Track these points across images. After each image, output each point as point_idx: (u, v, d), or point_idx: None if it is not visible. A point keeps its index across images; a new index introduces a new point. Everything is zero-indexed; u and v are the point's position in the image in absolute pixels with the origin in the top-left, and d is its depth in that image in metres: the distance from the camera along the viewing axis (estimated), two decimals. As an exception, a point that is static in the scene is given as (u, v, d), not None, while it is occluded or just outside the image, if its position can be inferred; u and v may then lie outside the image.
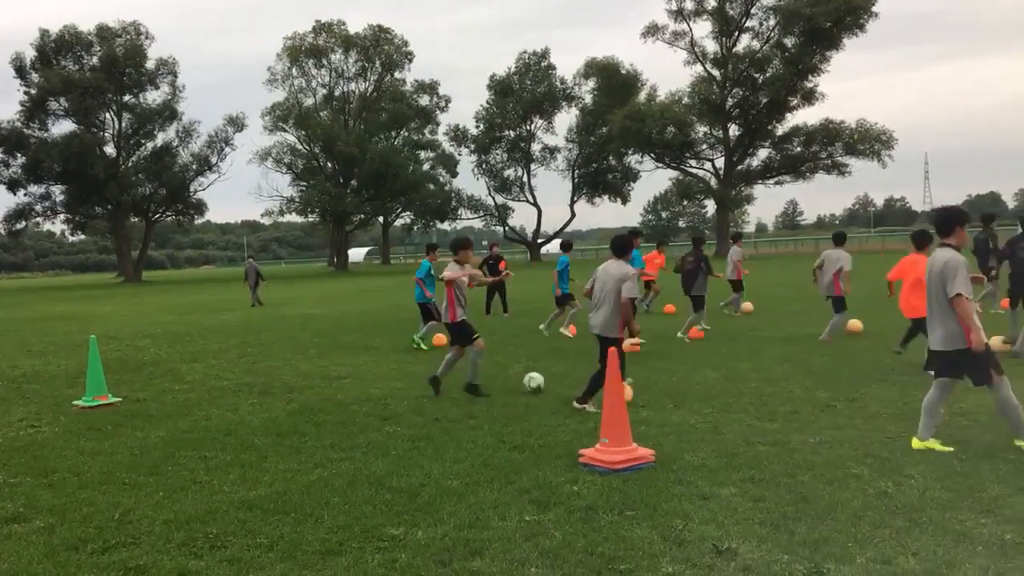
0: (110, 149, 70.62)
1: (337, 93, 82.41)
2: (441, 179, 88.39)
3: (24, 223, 73.75)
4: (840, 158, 66.16)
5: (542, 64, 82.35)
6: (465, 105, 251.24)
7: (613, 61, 75.68)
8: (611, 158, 79.72)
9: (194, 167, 73.10)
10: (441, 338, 14.66)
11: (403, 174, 76.13)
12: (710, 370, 11.19)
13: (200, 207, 76.57)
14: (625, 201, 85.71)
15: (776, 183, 70.68)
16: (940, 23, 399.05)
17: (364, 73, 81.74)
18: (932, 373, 7.18)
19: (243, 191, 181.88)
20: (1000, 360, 6.86)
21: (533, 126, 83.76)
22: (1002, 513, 5.20)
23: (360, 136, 76.76)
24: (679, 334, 14.75)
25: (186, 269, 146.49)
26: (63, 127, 71.24)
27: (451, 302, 9.85)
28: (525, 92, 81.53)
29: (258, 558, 4.93)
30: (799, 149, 67.74)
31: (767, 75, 65.42)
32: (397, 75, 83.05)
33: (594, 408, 8.51)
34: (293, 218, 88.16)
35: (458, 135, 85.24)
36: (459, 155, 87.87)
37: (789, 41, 64.06)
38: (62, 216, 73.85)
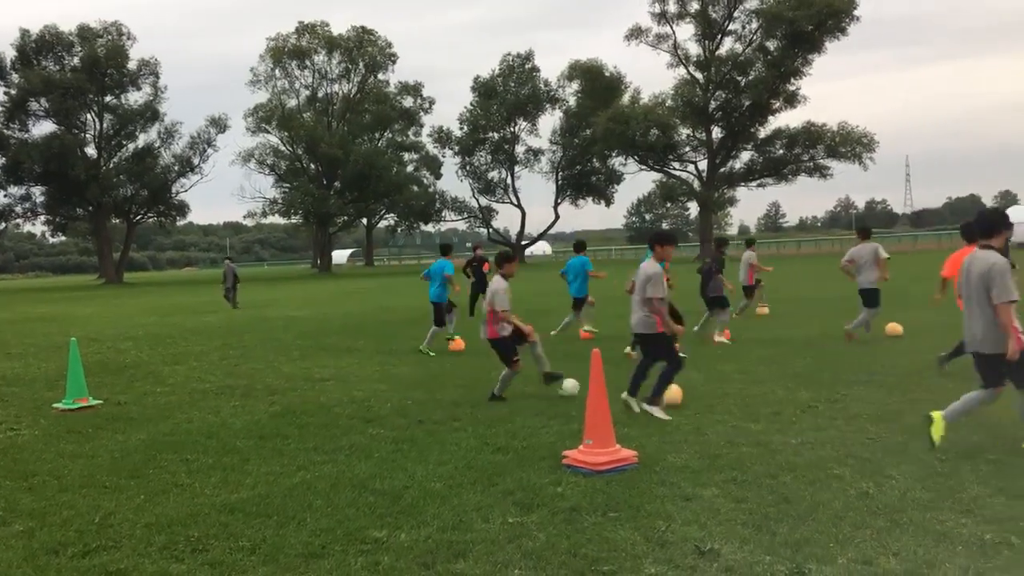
0: (91, 150, 70.17)
1: (320, 94, 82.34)
2: (425, 181, 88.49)
3: (4, 224, 73.34)
4: (822, 161, 66.67)
5: (526, 66, 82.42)
6: (449, 107, 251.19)
7: (597, 63, 75.85)
8: (595, 160, 79.90)
9: (176, 168, 72.73)
10: (460, 343, 14.48)
11: (387, 176, 76.06)
12: (693, 371, 11.21)
13: (182, 209, 76.17)
14: (609, 203, 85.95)
15: (759, 185, 71.14)
16: (922, 26, 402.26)
17: (347, 74, 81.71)
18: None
19: (226, 192, 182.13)
20: None
21: (517, 128, 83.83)
22: (982, 513, 5.24)
23: (343, 137, 76.63)
24: (717, 336, 14.25)
25: (168, 271, 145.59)
26: (44, 128, 70.93)
27: (492, 318, 9.45)
28: (509, 94, 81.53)
29: (240, 561, 4.90)
30: (781, 152, 68.15)
31: (749, 78, 65.80)
32: (381, 76, 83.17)
33: (634, 404, 8.61)
34: (276, 220, 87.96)
35: (442, 137, 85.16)
36: (443, 157, 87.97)
37: (771, 44, 64.45)
38: (42, 217, 73.44)
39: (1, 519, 5.87)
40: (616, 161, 77.55)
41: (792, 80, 65.02)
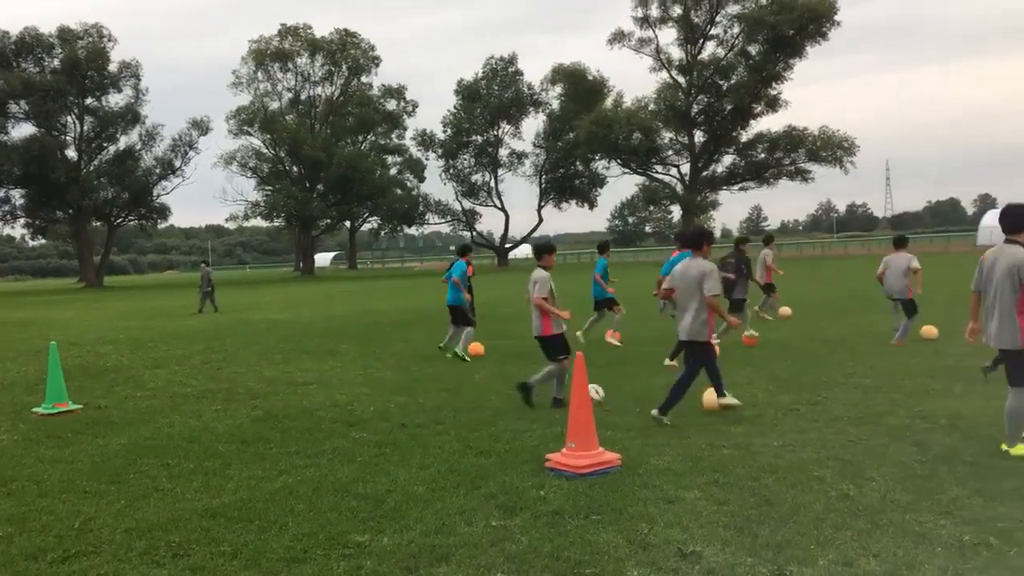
0: (71, 152, 69.64)
1: (303, 97, 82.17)
2: (408, 184, 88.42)
3: (-17, 227, 72.53)
4: (803, 164, 67.17)
5: (509, 69, 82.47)
6: (432, 110, 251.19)
7: (580, 67, 76.03)
8: (578, 163, 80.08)
9: (157, 171, 72.26)
10: (478, 347, 14.17)
11: (370, 179, 75.94)
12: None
13: (163, 211, 75.67)
14: (592, 206, 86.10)
15: (740, 189, 71.58)
16: (902, 32, 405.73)
17: (330, 77, 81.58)
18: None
19: (208, 195, 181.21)
20: None
21: (501, 131, 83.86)
22: (960, 515, 5.29)
23: (326, 140, 76.47)
24: (747, 333, 14.04)
25: (149, 274, 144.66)
26: (23, 130, 70.23)
27: (543, 312, 9.17)
28: (493, 97, 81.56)
29: (222, 566, 4.88)
30: (763, 155, 68.58)
31: (731, 82, 66.22)
32: (364, 79, 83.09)
33: (731, 400, 8.61)
34: (258, 223, 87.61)
35: (425, 140, 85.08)
36: (426, 160, 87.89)
37: (753, 49, 64.88)
38: (22, 220, 72.76)
39: (-21, 525, 5.82)
40: (599, 164, 77.93)
41: (774, 84, 65.47)
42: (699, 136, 69.67)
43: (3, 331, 24.10)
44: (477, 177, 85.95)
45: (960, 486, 5.85)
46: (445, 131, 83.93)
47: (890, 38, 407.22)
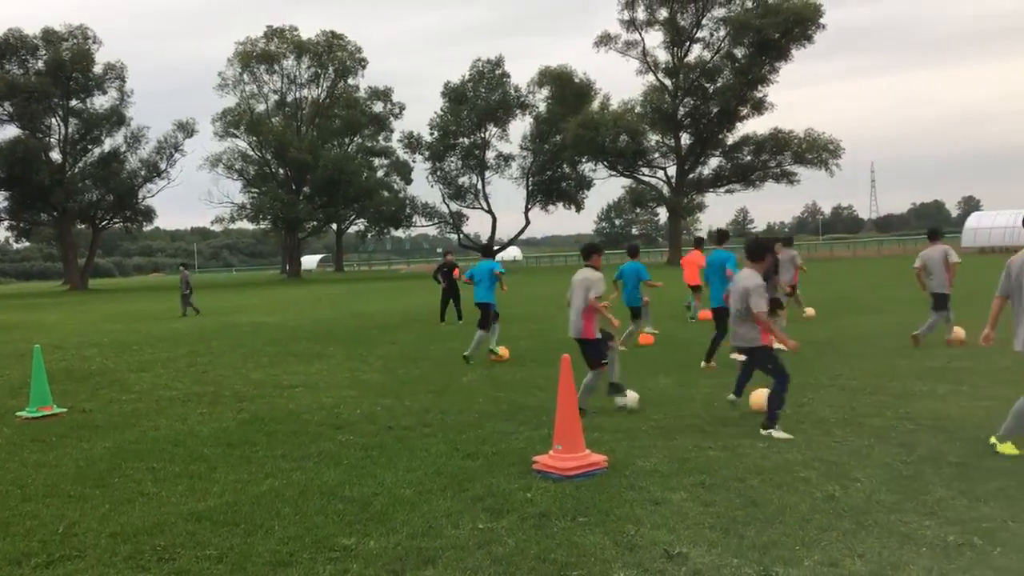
0: (56, 155, 69.11)
1: (289, 99, 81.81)
2: (395, 186, 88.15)
3: (-33, 230, 71.99)
4: (789, 167, 67.30)
5: (496, 72, 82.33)
6: (419, 112, 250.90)
7: (567, 70, 76.04)
8: (565, 166, 80.00)
9: (143, 173, 71.76)
10: (505, 352, 13.85)
11: (356, 181, 75.73)
12: (663, 376, 11.29)
13: (149, 214, 75.23)
14: (579, 208, 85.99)
15: (727, 191, 71.69)
16: (887, 35, 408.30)
17: (317, 79, 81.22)
18: None
19: (193, 197, 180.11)
20: None
21: (487, 134, 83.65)
22: (945, 515, 5.32)
23: (313, 142, 76.20)
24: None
25: (134, 277, 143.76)
26: (7, 132, 69.54)
27: (591, 315, 8.91)
28: (479, 100, 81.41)
29: (207, 570, 4.86)
30: (749, 158, 68.76)
31: (718, 85, 66.40)
32: (350, 81, 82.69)
33: (780, 432, 7.64)
34: (244, 225, 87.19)
35: (412, 142, 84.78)
36: (413, 162, 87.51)
37: (739, 52, 65.08)
38: (6, 223, 72.12)
39: (-38, 530, 5.77)
40: (586, 167, 77.77)
41: (759, 87, 65.68)
42: (685, 138, 69.82)
43: (-14, 334, 23.92)
44: (464, 179, 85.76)
45: (945, 487, 5.89)
46: (432, 133, 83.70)
47: (875, 41, 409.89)
